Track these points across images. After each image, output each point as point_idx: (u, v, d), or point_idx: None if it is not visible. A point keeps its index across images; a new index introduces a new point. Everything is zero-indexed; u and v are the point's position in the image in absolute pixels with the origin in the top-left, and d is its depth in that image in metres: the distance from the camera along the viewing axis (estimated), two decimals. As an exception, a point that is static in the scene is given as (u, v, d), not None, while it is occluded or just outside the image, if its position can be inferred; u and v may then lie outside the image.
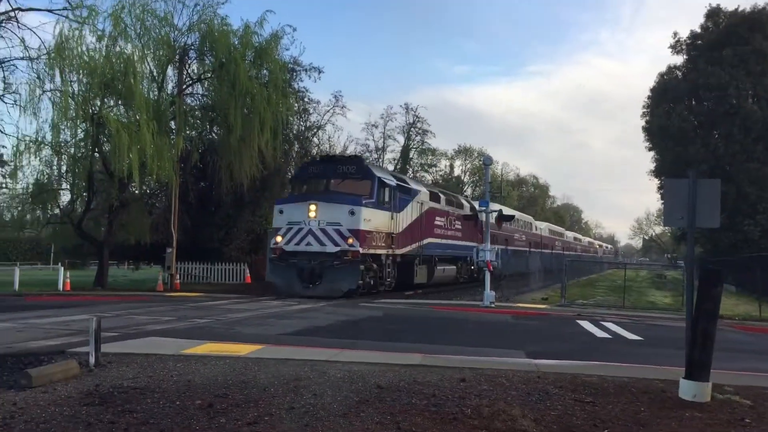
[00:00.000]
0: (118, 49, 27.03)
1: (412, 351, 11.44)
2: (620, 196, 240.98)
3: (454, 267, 34.62)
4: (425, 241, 29.87)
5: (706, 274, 8.26)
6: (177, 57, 29.68)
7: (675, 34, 47.90)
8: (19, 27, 25.22)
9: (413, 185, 30.42)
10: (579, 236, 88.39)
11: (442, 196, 33.99)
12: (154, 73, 28.99)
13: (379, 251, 25.26)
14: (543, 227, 61.66)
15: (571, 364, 10.70)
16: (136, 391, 7.58)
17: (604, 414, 7.30)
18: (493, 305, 21.99)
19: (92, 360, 8.95)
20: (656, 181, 51.28)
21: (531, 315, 20.50)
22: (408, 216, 27.99)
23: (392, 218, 26.24)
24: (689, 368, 8.19)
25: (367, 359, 10.31)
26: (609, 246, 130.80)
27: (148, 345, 11.14)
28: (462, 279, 36.30)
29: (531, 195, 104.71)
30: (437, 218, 31.84)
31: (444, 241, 32.61)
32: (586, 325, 17.84)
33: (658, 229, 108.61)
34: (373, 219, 24.50)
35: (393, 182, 26.96)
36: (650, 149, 51.02)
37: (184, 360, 9.73)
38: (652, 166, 51.50)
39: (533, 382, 8.94)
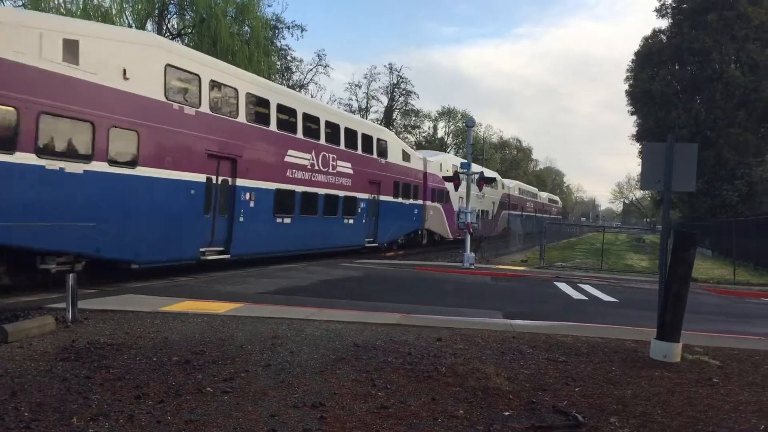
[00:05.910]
0: (95, 2, 26.46)
1: (391, 311, 11.54)
2: (603, 160, 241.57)
3: None
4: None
5: (680, 238, 8.35)
6: (156, 11, 29.11)
7: (661, -3, 47.50)
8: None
9: None
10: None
11: None
12: (133, 28, 28.32)
13: None
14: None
15: (546, 325, 10.87)
16: (113, 347, 7.59)
17: (576, 373, 7.45)
18: (472, 267, 22.18)
19: (69, 316, 8.93)
20: (638, 146, 51.44)
21: (510, 276, 20.70)
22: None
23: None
24: (661, 329, 8.36)
25: (345, 318, 10.39)
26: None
27: (126, 302, 11.12)
28: None
29: (513, 158, 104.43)
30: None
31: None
32: (563, 286, 18.08)
33: (639, 194, 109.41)
34: None
35: None
36: (633, 113, 51.09)
37: (162, 317, 9.73)
38: (634, 130, 51.60)
39: (508, 342, 9.08)
